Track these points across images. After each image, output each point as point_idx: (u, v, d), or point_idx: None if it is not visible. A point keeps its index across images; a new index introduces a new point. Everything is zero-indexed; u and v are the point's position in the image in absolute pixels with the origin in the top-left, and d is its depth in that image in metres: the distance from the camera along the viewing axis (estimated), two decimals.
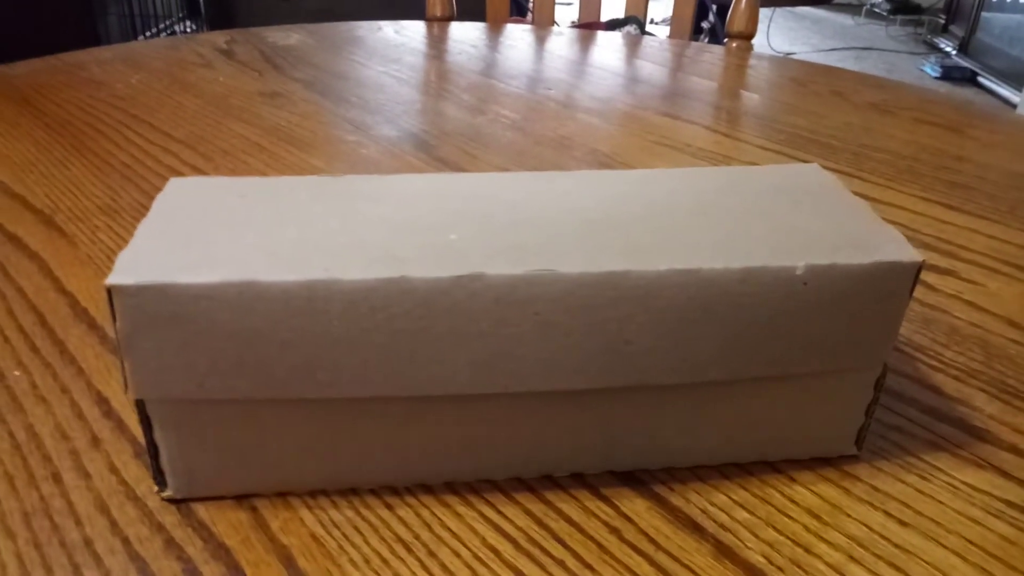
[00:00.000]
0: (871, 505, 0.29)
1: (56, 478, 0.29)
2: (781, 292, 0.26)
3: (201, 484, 0.28)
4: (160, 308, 0.24)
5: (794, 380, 0.29)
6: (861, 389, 0.30)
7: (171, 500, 0.28)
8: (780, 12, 3.90)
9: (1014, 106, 2.59)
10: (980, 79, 2.98)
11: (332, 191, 0.30)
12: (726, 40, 1.04)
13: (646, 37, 1.01)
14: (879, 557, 0.27)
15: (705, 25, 2.72)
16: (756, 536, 0.28)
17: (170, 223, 0.27)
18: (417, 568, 0.26)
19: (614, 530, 0.28)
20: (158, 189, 0.52)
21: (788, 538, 0.28)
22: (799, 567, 0.26)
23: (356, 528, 0.27)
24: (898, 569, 0.26)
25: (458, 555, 0.26)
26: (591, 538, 0.27)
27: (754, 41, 1.04)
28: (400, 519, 0.28)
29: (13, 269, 0.42)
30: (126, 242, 0.45)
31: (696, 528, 0.28)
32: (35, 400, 0.33)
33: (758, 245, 0.27)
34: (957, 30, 3.33)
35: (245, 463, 0.28)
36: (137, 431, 0.31)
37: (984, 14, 3.06)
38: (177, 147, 0.59)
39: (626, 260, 0.26)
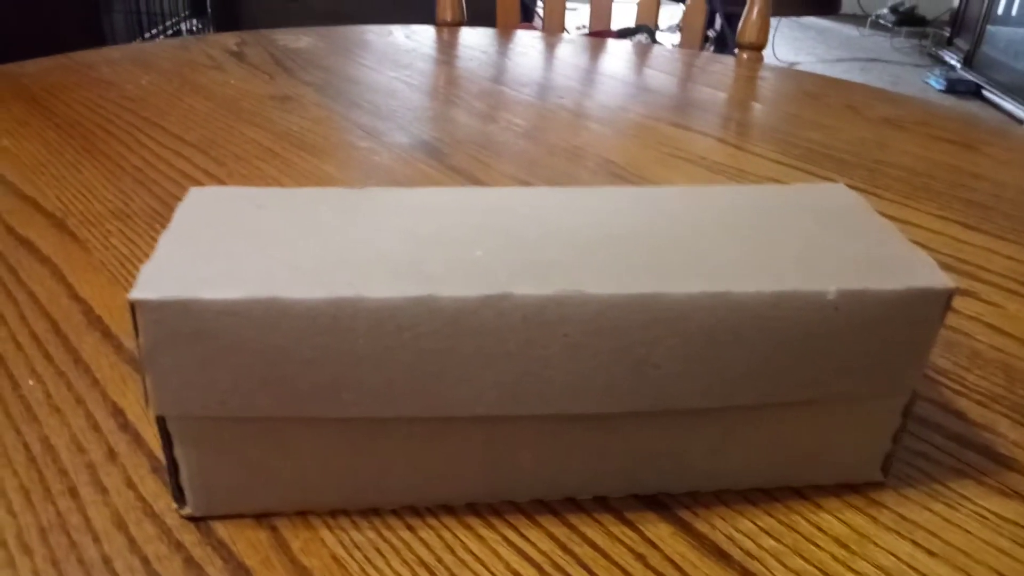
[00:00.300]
0: (899, 534, 0.29)
1: (73, 492, 0.28)
2: (812, 317, 0.26)
3: (221, 502, 0.27)
4: (183, 324, 0.24)
5: (822, 405, 0.29)
6: (889, 415, 0.29)
7: (190, 518, 0.27)
8: (785, 22, 3.90)
9: (1020, 121, 2.59)
10: (985, 93, 2.99)
11: (353, 204, 0.30)
12: (736, 50, 1.04)
13: (656, 46, 1.01)
14: None
15: (711, 33, 2.72)
16: (784, 565, 0.27)
17: (192, 235, 0.27)
18: None
19: (639, 556, 0.27)
20: (171, 194, 0.52)
21: (816, 567, 0.27)
22: None
23: (378, 550, 0.27)
24: None
25: None
26: (616, 564, 0.27)
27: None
28: (422, 541, 0.27)
29: (25, 273, 0.42)
30: (139, 248, 0.45)
31: (722, 555, 0.27)
32: (50, 410, 0.32)
33: (789, 268, 0.27)
34: (962, 43, 3.34)
35: (266, 481, 0.27)
36: (154, 444, 0.31)
37: (989, 27, 3.06)
38: (189, 151, 0.59)
39: (656, 282, 0.26)
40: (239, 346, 0.24)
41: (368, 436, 0.27)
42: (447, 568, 0.26)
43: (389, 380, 0.25)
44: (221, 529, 0.27)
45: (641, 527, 0.28)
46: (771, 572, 0.27)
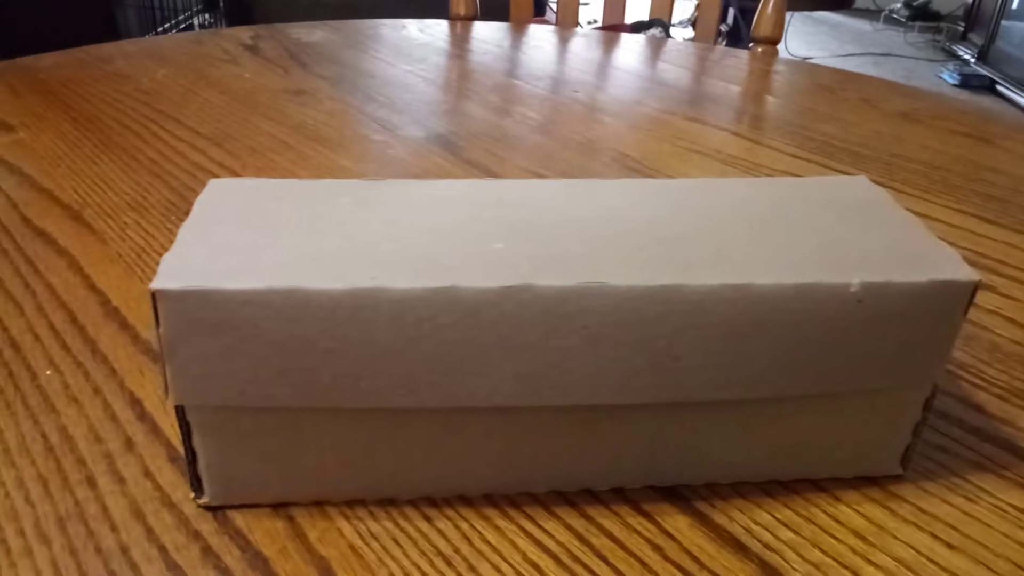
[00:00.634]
0: (917, 527, 0.28)
1: (91, 482, 0.28)
2: (834, 309, 0.26)
3: (238, 492, 0.27)
4: (204, 314, 0.24)
5: (843, 398, 0.28)
6: (909, 408, 0.29)
7: (207, 507, 0.27)
8: (798, 16, 3.88)
9: None
10: (999, 87, 2.96)
11: (372, 196, 0.29)
12: (751, 44, 1.03)
13: (670, 40, 1.00)
14: None
15: (723, 28, 2.71)
16: (802, 557, 0.27)
17: (212, 226, 0.27)
18: None
19: (656, 547, 0.27)
20: (187, 187, 0.52)
21: (834, 559, 0.27)
22: None
23: (395, 540, 0.27)
24: None
25: (499, 570, 0.26)
26: (634, 555, 0.27)
27: None
28: (439, 532, 0.27)
29: (43, 265, 0.42)
30: (155, 240, 0.45)
31: (740, 547, 0.27)
32: (67, 401, 0.32)
33: (811, 261, 0.27)
34: (976, 38, 3.31)
35: (283, 471, 0.27)
36: (171, 434, 0.31)
37: (1004, 22, 3.03)
38: (204, 144, 0.59)
39: (677, 274, 0.25)
40: (259, 336, 0.24)
41: (386, 427, 0.27)
42: (464, 558, 0.26)
43: (409, 371, 0.25)
44: (239, 518, 0.27)
45: (659, 519, 0.28)
46: (789, 564, 0.27)
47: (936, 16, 3.78)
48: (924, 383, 0.28)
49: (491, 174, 0.56)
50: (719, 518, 0.28)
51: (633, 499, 0.29)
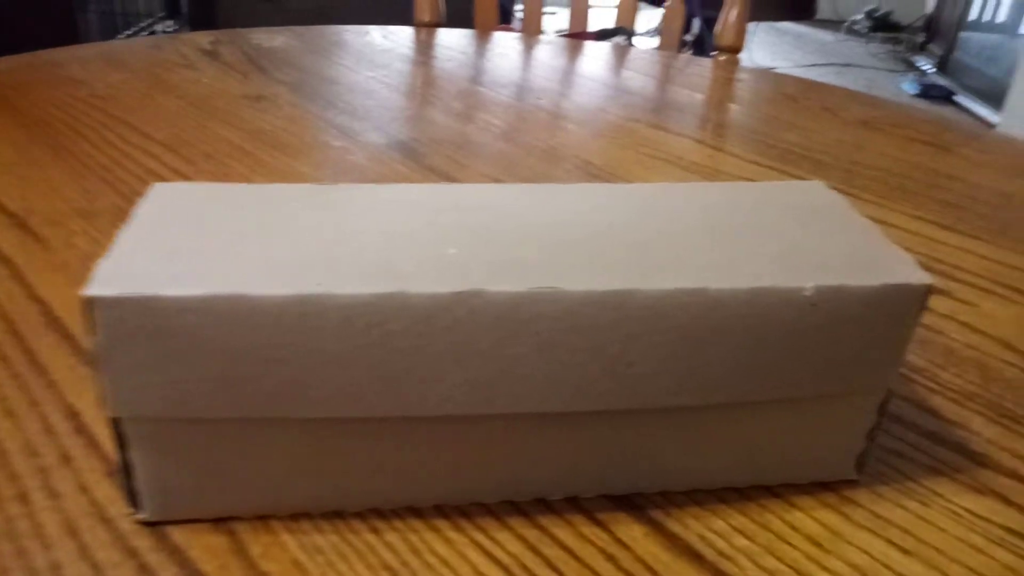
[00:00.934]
0: (872, 532, 0.28)
1: (23, 498, 0.27)
2: (789, 313, 0.26)
3: (177, 506, 0.26)
4: (142, 321, 0.23)
5: (798, 403, 0.28)
6: (864, 413, 0.29)
7: (145, 523, 0.26)
8: (763, 27, 3.93)
9: (991, 125, 2.62)
10: (957, 98, 3.02)
11: (323, 200, 0.29)
12: (714, 53, 1.04)
13: (634, 48, 1.00)
14: None
15: (688, 38, 2.74)
16: (756, 564, 0.27)
17: (153, 231, 0.26)
18: None
19: (610, 557, 0.27)
20: (137, 193, 0.51)
21: (789, 566, 0.27)
22: None
23: (341, 554, 0.26)
24: None
25: None
26: (587, 566, 0.26)
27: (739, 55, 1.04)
28: (387, 544, 0.26)
29: None
30: (103, 247, 0.44)
31: (695, 556, 0.27)
32: (3, 414, 0.31)
33: (766, 265, 0.26)
34: (936, 49, 3.37)
35: (225, 484, 0.26)
36: (109, 448, 0.30)
37: (962, 34, 3.10)
38: (158, 149, 0.58)
39: (631, 279, 0.25)
40: (200, 345, 0.24)
41: (333, 437, 0.26)
42: (412, 572, 0.25)
43: (357, 379, 0.25)
44: (177, 534, 0.26)
45: (612, 528, 0.28)
46: (744, 572, 0.26)
47: (896, 27, 3.86)
48: (879, 388, 0.28)
49: (452, 180, 0.56)
50: (674, 526, 0.28)
51: (587, 508, 0.28)
